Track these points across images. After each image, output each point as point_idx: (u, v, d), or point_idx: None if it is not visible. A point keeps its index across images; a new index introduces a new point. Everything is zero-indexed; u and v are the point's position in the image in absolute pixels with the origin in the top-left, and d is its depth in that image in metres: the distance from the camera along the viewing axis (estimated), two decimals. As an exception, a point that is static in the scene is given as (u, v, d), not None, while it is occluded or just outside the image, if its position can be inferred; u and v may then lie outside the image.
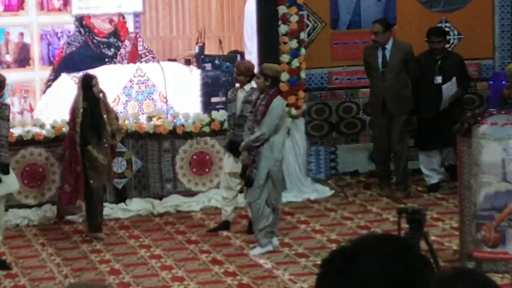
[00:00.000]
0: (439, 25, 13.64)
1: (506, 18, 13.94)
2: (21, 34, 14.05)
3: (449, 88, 12.14)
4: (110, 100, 11.47)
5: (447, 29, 13.42)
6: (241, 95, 10.93)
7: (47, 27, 14.38)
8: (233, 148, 10.91)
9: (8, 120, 10.41)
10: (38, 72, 14.07)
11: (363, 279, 2.07)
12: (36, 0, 14.01)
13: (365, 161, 13.35)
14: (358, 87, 13.25)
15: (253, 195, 10.28)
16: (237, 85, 11.06)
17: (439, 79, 12.42)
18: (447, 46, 12.98)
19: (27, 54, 14.10)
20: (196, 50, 13.64)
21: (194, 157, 12.48)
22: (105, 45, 13.44)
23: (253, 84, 10.88)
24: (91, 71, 11.83)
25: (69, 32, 14.35)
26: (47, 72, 13.98)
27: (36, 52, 14.16)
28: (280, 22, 12.49)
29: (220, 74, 13.05)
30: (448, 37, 12.77)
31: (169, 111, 12.49)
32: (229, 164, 11.09)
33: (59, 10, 14.29)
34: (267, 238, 10.45)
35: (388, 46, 12.44)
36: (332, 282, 2.11)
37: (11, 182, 10.42)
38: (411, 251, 2.14)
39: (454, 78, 12.11)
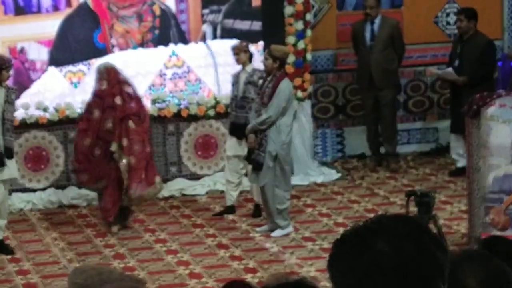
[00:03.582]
0: (447, 5, 13.65)
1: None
2: None
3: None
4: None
5: (454, 9, 13.43)
6: (243, 76, 10.96)
7: None
8: (235, 131, 10.95)
9: (14, 104, 10.47)
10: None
11: (376, 260, 2.07)
12: None
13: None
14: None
15: (264, 178, 10.30)
16: (240, 67, 11.08)
17: (456, 62, 12.52)
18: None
19: None
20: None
21: (199, 140, 12.49)
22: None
23: (255, 65, 10.93)
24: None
25: None
26: (13, 28, 12.29)
27: None
28: (285, 3, 12.48)
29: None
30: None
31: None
32: (232, 147, 11.11)
33: None
34: (286, 220, 10.51)
35: (377, 21, 12.72)
36: (345, 263, 2.12)
37: (13, 167, 10.47)
38: (424, 233, 2.15)
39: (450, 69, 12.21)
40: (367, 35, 12.72)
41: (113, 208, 10.78)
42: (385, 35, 12.70)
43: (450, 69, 12.24)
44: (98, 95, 10.80)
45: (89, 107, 10.90)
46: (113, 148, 10.67)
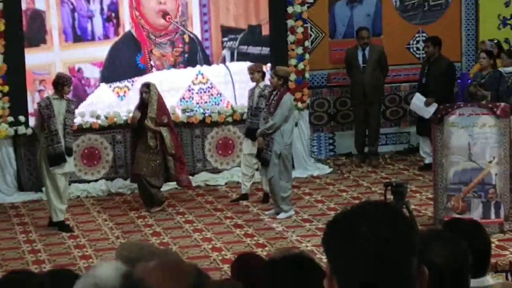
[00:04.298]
0: (417, 35, 13.64)
1: (471, 29, 13.92)
2: None
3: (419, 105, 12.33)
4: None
5: (423, 38, 13.44)
6: (257, 91, 10.99)
7: None
8: (250, 134, 10.94)
9: (74, 113, 10.48)
10: (60, 53, 12.07)
11: (359, 242, 2.07)
12: None
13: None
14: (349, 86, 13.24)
15: (271, 172, 10.28)
16: (254, 83, 11.06)
17: (423, 80, 12.57)
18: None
19: (42, 27, 11.98)
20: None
21: (220, 141, 12.49)
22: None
23: (266, 81, 10.93)
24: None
25: None
26: (71, 54, 12.11)
27: (55, 24, 11.99)
28: (288, 33, 12.48)
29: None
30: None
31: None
32: (247, 147, 11.11)
33: None
34: (288, 205, 10.50)
35: (367, 47, 12.68)
36: (335, 244, 2.12)
37: (72, 163, 10.48)
38: (399, 216, 2.14)
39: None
40: (360, 59, 12.69)
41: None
42: (374, 59, 12.68)
43: (421, 100, 12.23)
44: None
45: None
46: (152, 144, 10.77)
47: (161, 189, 11.12)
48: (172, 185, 11.58)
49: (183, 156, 11.40)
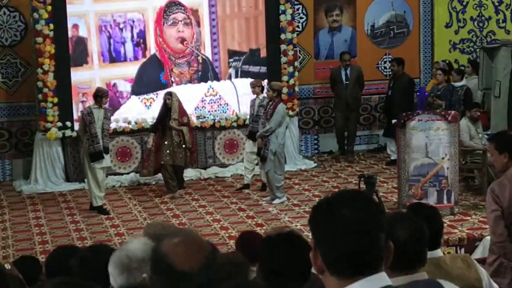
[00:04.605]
0: (385, 56, 13.65)
1: (428, 52, 13.94)
2: (75, 27, 11.80)
3: None
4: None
5: (389, 59, 13.45)
6: (257, 101, 10.97)
7: (106, 17, 11.87)
8: (251, 136, 10.94)
9: (110, 119, 10.48)
10: (99, 71, 11.92)
11: (339, 222, 2.07)
12: None
13: (336, 145, 13.31)
14: (331, 97, 13.22)
15: (268, 166, 10.27)
16: (254, 95, 11.06)
17: (389, 93, 12.57)
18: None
19: (84, 50, 11.88)
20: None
21: (226, 142, 12.46)
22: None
23: (264, 94, 10.93)
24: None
25: (132, 21, 11.94)
26: (108, 71, 12.01)
27: (94, 47, 11.84)
28: (281, 55, 12.47)
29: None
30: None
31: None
32: (249, 146, 11.10)
33: None
34: (281, 193, 10.50)
35: (349, 68, 12.60)
36: (319, 225, 2.12)
37: (108, 159, 10.49)
38: (370, 202, 2.15)
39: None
40: (343, 77, 12.61)
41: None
42: (354, 77, 12.62)
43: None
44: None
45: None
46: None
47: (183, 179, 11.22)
48: (188, 176, 11.59)
49: (196, 149, 11.57)
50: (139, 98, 12.16)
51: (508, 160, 5.54)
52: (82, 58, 11.84)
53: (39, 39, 11.34)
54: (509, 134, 6.10)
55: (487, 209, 5.71)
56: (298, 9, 13.08)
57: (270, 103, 10.45)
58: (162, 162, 10.79)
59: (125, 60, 12.09)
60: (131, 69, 12.11)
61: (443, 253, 4.19)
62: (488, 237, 6.28)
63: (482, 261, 5.28)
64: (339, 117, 12.94)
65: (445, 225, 5.74)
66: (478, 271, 4.06)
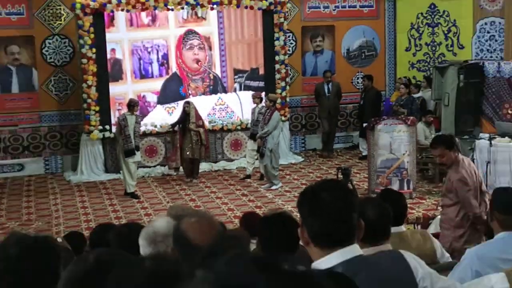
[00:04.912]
0: (357, 73, 13.65)
1: (391, 70, 13.97)
2: (113, 50, 11.60)
3: None
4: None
5: (361, 75, 13.44)
6: (256, 110, 10.96)
7: (137, 43, 11.76)
8: (252, 137, 10.96)
9: (140, 123, 10.48)
10: (131, 86, 11.87)
11: (320, 205, 2.07)
12: (125, 17, 11.35)
13: (319, 144, 13.34)
14: (315, 106, 13.23)
15: (266, 161, 10.31)
16: (255, 104, 11.04)
17: (361, 102, 12.57)
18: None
19: (120, 69, 11.70)
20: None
21: (232, 141, 12.46)
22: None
23: (263, 104, 10.92)
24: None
25: (158, 46, 11.85)
26: (139, 86, 11.89)
27: (128, 66, 11.67)
28: (276, 72, 12.47)
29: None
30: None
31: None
32: (250, 145, 11.09)
33: (148, 25, 11.70)
34: (277, 181, 10.50)
35: (330, 83, 12.60)
36: (305, 207, 2.12)
37: (139, 155, 10.48)
38: (346, 189, 2.15)
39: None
40: (326, 90, 12.61)
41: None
42: (335, 90, 12.61)
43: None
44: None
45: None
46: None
47: (199, 170, 11.24)
48: (202, 169, 11.59)
49: (209, 146, 11.60)
50: (163, 107, 12.15)
51: (455, 153, 5.60)
52: (118, 75, 11.83)
53: (84, 60, 11.35)
54: (449, 135, 6.22)
55: (461, 192, 5.60)
56: (289, 36, 13.07)
57: (268, 110, 10.46)
58: (184, 157, 10.89)
59: (152, 76, 12.07)
60: (157, 84, 12.09)
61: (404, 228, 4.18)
62: (439, 216, 6.27)
63: (435, 235, 5.26)
64: (323, 123, 12.92)
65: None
66: (433, 243, 4.06)
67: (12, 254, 2.01)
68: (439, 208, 6.00)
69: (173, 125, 11.28)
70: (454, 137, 6.30)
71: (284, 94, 12.49)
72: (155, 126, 11.96)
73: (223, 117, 12.41)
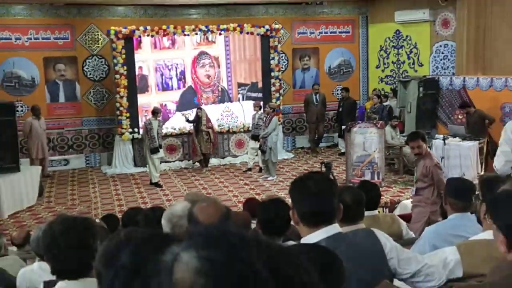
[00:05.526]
0: (337, 86, 13.63)
1: (364, 83, 13.93)
2: (140, 68, 11.70)
3: None
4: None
5: (340, 87, 13.40)
6: (256, 116, 10.93)
7: (160, 62, 11.83)
8: (253, 137, 10.93)
9: (162, 127, 10.46)
10: (155, 96, 11.85)
11: (307, 192, 2.07)
12: (150, 41, 11.48)
13: (307, 143, 13.31)
14: (303, 113, 13.21)
15: (267, 156, 10.31)
16: (255, 111, 11.01)
17: (340, 109, 12.51)
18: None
19: (146, 83, 11.63)
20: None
21: (237, 141, 12.44)
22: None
23: (261, 111, 10.91)
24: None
25: (176, 64, 11.75)
26: (161, 96, 11.73)
27: (152, 81, 11.70)
28: (272, 85, 12.44)
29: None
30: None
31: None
32: (251, 144, 11.08)
33: (169, 48, 11.74)
34: (273, 173, 10.48)
35: (318, 94, 12.54)
36: (295, 193, 2.12)
37: (162, 152, 10.47)
38: (328, 179, 2.14)
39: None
40: (314, 100, 12.54)
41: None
42: (321, 100, 12.55)
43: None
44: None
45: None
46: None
47: (208, 164, 11.25)
48: (212, 163, 11.59)
49: (217, 144, 11.58)
50: (181, 113, 12.12)
51: (426, 146, 5.64)
52: (144, 88, 11.80)
53: (117, 76, 11.35)
54: (423, 132, 6.21)
55: (437, 175, 5.55)
56: (282, 57, 13.04)
57: (268, 116, 10.45)
58: (199, 152, 11.05)
59: (172, 89, 12.04)
60: (176, 95, 12.04)
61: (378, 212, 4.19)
62: (405, 201, 6.27)
63: (402, 216, 5.25)
64: (311, 127, 12.91)
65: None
66: (399, 224, 4.07)
67: (56, 231, 2.04)
68: (412, 192, 5.98)
69: (188, 121, 11.30)
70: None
71: (278, 103, 12.47)
72: (174, 129, 11.93)
73: (229, 121, 12.38)
